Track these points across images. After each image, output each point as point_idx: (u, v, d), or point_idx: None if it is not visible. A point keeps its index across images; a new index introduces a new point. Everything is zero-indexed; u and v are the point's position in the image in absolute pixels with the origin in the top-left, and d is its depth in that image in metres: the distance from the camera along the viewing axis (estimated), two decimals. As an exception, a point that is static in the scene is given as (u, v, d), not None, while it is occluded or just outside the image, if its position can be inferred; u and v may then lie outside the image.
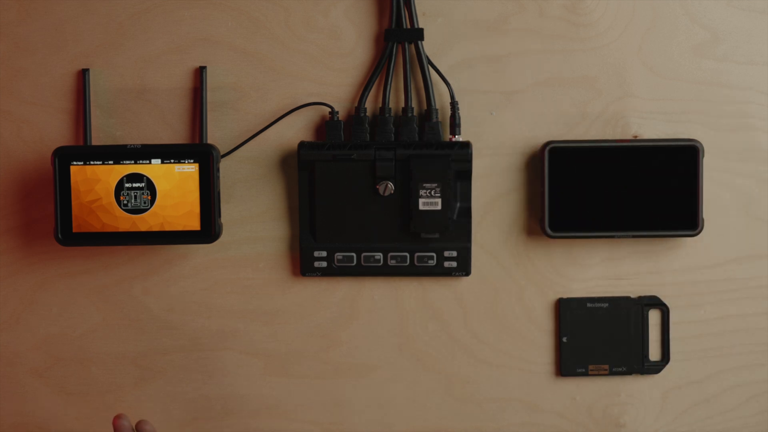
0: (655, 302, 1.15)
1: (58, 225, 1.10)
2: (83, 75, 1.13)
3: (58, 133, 1.14)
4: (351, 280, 1.16)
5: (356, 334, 1.16)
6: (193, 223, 1.11)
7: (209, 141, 1.14)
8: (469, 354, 1.16)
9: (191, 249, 1.15)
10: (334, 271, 1.14)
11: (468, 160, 1.11)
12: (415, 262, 1.13)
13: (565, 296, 1.16)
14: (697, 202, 1.11)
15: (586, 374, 1.16)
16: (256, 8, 1.13)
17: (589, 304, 1.15)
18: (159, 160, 1.10)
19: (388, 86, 1.13)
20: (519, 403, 1.17)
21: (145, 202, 1.11)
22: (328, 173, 1.08)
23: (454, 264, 1.13)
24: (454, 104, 1.12)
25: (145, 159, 1.10)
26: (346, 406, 1.17)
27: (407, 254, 1.13)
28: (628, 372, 1.16)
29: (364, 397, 1.17)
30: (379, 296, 1.16)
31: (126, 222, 1.11)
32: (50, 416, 1.18)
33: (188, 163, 1.10)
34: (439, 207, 1.11)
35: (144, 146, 1.11)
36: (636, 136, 1.14)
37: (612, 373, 1.16)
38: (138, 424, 1.04)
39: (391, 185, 1.11)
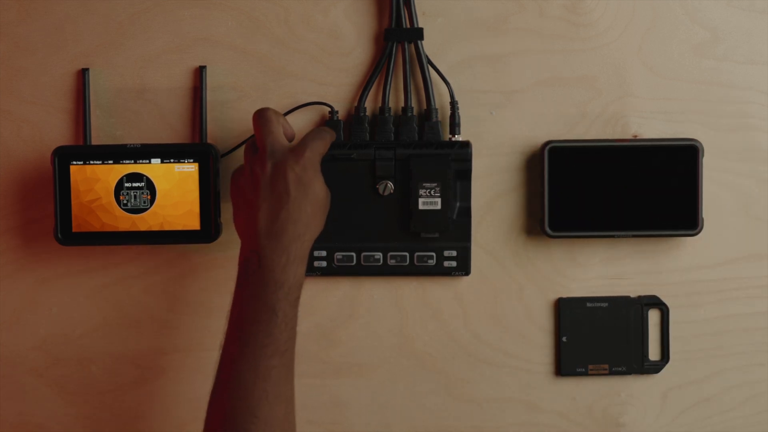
0: (655, 302, 1.15)
1: (57, 224, 1.10)
2: (83, 75, 1.13)
3: (58, 132, 1.14)
4: (351, 280, 1.15)
5: (356, 334, 1.16)
6: (193, 223, 1.11)
7: (209, 141, 1.14)
8: (469, 354, 1.16)
9: (191, 249, 1.15)
10: (333, 270, 1.13)
11: (468, 159, 1.11)
12: (415, 262, 1.13)
13: (564, 296, 1.16)
14: (697, 202, 1.11)
15: (585, 374, 1.16)
16: (256, 8, 1.13)
17: (588, 304, 1.15)
18: (159, 160, 1.10)
19: (388, 86, 1.13)
20: (519, 402, 1.17)
21: (144, 202, 1.11)
22: (327, 173, 1.07)
23: (453, 264, 1.13)
24: (453, 104, 1.12)
25: (145, 158, 1.10)
26: (346, 406, 1.17)
27: (407, 254, 1.13)
28: (628, 372, 1.16)
29: (364, 397, 1.17)
30: (379, 296, 1.16)
31: (126, 221, 1.11)
32: (50, 416, 1.17)
33: (188, 162, 1.10)
34: (438, 207, 1.11)
35: (144, 146, 1.11)
36: (636, 136, 1.14)
37: (612, 373, 1.16)
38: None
39: (390, 185, 1.11)
